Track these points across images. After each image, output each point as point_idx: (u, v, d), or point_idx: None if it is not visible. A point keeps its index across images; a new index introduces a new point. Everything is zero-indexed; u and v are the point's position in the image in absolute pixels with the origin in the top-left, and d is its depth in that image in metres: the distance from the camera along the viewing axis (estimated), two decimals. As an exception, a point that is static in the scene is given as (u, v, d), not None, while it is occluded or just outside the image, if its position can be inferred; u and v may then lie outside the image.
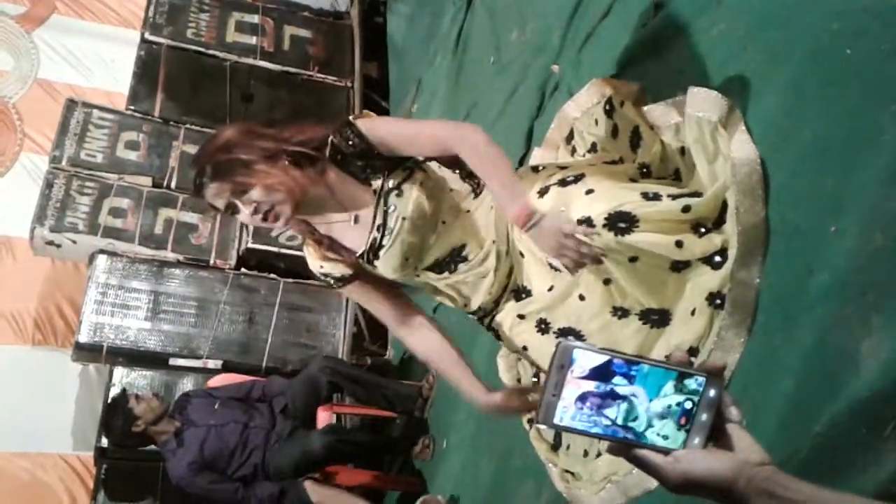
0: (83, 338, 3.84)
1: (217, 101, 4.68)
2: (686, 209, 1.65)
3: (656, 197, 1.67)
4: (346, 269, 1.77)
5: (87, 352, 3.87)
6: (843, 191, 1.49)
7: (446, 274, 1.78)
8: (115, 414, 3.31)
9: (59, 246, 4.05)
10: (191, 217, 4.19)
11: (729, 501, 0.78)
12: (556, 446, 2.20)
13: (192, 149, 4.46)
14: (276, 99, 4.84)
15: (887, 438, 1.30)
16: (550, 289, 1.75)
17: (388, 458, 3.62)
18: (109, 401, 3.46)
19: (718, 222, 1.71)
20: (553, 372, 0.80)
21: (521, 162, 2.71)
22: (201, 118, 4.60)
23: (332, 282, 1.79)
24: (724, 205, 1.71)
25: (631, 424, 0.81)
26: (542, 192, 1.72)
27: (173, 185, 4.34)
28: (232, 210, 1.69)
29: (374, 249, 1.73)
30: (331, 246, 1.75)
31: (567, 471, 2.11)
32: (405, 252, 1.73)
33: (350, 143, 1.68)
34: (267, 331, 4.10)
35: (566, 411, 0.80)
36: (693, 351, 1.70)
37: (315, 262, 1.78)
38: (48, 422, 4.12)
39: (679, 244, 1.63)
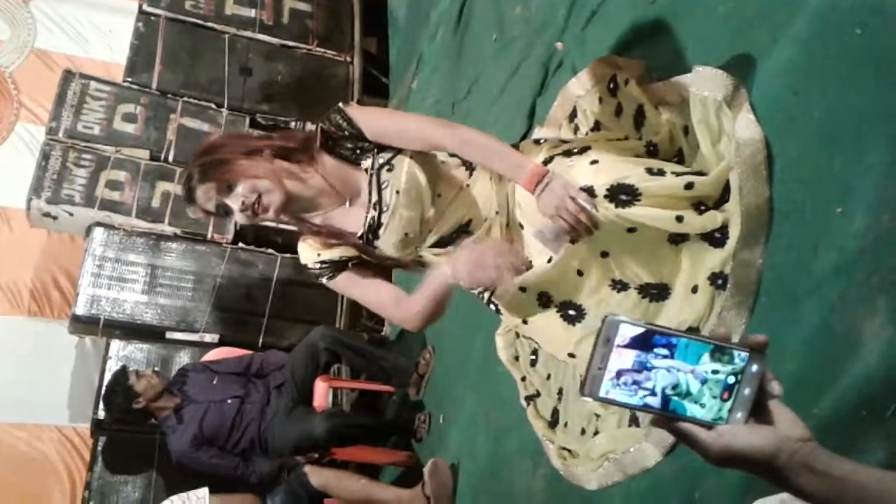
0: (80, 310, 3.82)
1: (215, 74, 4.62)
2: (689, 186, 1.65)
3: (660, 173, 1.67)
4: (347, 252, 1.76)
5: (84, 324, 3.86)
6: (851, 172, 1.48)
7: (450, 248, 1.77)
8: (116, 391, 3.30)
9: (55, 218, 4.02)
10: (188, 191, 4.14)
11: (770, 476, 0.79)
12: (553, 423, 2.20)
13: (189, 122, 4.43)
14: (275, 73, 4.78)
15: (888, 421, 1.30)
16: (549, 260, 1.75)
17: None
18: (109, 378, 3.44)
19: (720, 202, 1.70)
20: (599, 345, 0.81)
21: (523, 140, 2.69)
22: (199, 91, 4.55)
23: (326, 273, 1.79)
24: (728, 185, 1.70)
25: (672, 397, 0.82)
26: (546, 162, 1.73)
27: (170, 158, 4.29)
28: (224, 211, 1.72)
29: (373, 229, 1.73)
30: (330, 233, 1.75)
31: (564, 448, 2.11)
32: (405, 227, 1.72)
33: (339, 126, 1.71)
34: (264, 306, 4.09)
35: (611, 384, 0.82)
36: (693, 331, 1.70)
37: (311, 253, 1.78)
38: (44, 393, 4.11)
39: (679, 219, 1.64)
